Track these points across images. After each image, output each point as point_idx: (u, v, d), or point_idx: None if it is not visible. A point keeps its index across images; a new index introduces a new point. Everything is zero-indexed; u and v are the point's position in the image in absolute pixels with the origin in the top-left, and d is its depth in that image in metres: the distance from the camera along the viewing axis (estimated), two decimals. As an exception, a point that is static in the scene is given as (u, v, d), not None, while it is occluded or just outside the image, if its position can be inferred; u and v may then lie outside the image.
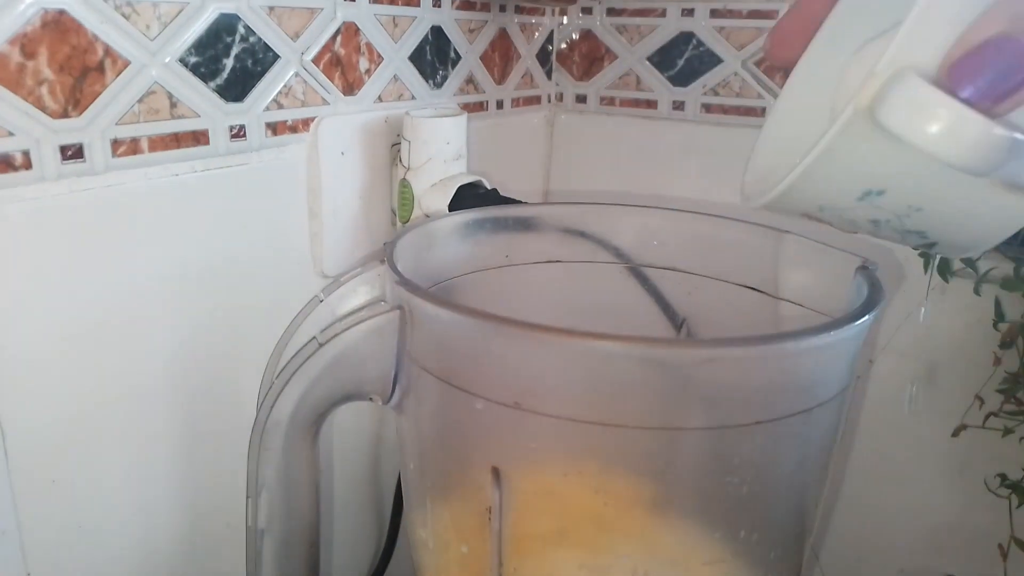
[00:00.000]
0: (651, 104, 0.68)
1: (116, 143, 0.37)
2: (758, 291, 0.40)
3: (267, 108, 0.44)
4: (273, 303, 0.45)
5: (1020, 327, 0.53)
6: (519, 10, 0.64)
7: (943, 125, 0.23)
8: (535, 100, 0.70)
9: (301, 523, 0.37)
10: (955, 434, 0.56)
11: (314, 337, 0.32)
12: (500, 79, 0.64)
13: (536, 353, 0.29)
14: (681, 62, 0.66)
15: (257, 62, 0.43)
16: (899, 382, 0.61)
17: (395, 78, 0.52)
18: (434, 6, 0.54)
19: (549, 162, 0.74)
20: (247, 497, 0.35)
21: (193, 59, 0.39)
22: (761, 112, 0.63)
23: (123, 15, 0.36)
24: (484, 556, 0.32)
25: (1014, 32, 0.23)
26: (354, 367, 0.33)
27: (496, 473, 0.30)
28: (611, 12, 0.68)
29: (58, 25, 0.34)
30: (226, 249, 0.43)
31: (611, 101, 0.70)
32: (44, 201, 0.35)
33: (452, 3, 0.56)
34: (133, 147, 0.38)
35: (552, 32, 0.70)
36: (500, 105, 0.65)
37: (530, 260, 0.45)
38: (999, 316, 0.54)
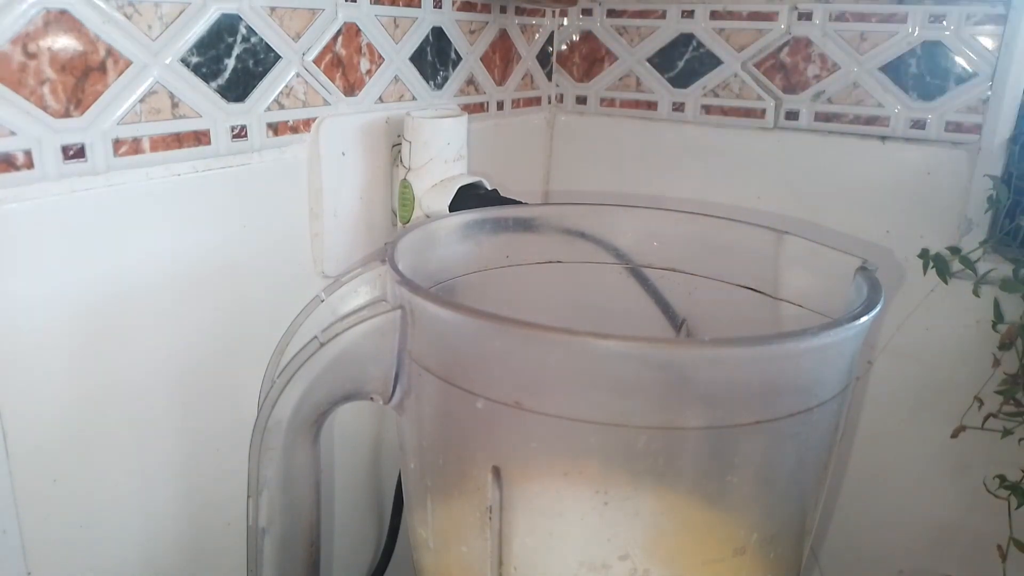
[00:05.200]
0: (651, 105, 0.68)
1: (118, 143, 0.37)
2: (758, 292, 0.40)
3: (268, 108, 0.44)
4: (274, 303, 0.46)
5: (1019, 328, 0.53)
6: (520, 11, 0.64)
7: None
8: (535, 101, 0.70)
9: (302, 522, 0.37)
10: (954, 435, 0.56)
11: (315, 337, 0.33)
12: (501, 80, 0.64)
13: (537, 353, 0.29)
14: (681, 64, 0.66)
15: (258, 62, 0.43)
16: (898, 383, 0.61)
17: (396, 79, 0.52)
18: (435, 7, 0.54)
19: (549, 163, 0.74)
20: (248, 496, 0.35)
21: (195, 59, 0.39)
22: (761, 114, 0.63)
23: (125, 15, 0.36)
24: (484, 556, 0.32)
25: None
26: (355, 367, 0.33)
27: (496, 472, 0.30)
28: (611, 14, 0.68)
29: (60, 25, 0.34)
30: (227, 249, 0.43)
31: (611, 102, 0.70)
32: (45, 201, 0.35)
33: (453, 4, 0.56)
34: (134, 147, 0.38)
35: (552, 33, 0.70)
36: (500, 106, 0.65)
37: (530, 260, 0.45)
38: (998, 317, 0.54)
